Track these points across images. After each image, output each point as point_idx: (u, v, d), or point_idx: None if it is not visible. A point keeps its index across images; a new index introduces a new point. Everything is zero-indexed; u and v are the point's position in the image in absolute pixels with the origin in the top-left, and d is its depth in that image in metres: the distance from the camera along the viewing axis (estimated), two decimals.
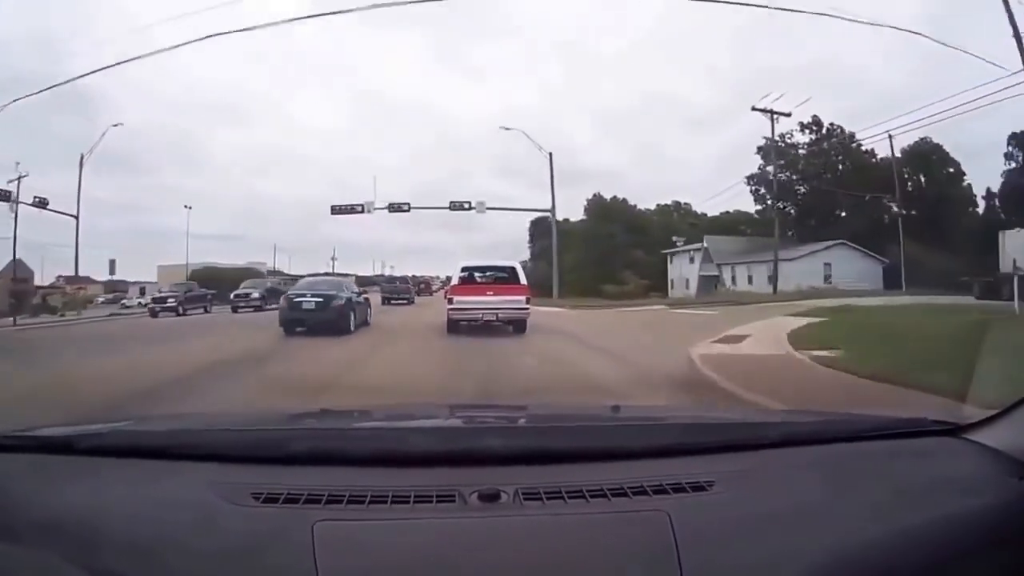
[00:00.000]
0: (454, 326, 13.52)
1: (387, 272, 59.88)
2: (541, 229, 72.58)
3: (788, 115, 34.35)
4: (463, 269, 14.70)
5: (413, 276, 44.40)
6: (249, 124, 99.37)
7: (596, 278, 55.12)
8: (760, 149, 50.47)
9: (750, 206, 54.94)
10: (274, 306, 28.05)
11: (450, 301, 14.04)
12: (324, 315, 13.52)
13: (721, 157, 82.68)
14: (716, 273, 44.86)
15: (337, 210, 31.08)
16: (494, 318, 13.34)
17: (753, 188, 51.34)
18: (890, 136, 40.75)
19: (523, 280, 14.49)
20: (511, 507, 1.08)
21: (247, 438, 1.43)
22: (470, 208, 30.48)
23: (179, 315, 25.82)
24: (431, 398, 5.64)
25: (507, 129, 32.06)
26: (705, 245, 46.35)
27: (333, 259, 61.68)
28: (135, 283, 49.87)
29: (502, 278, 14.54)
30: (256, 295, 28.76)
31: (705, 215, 58.34)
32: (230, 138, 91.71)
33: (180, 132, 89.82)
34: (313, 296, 13.96)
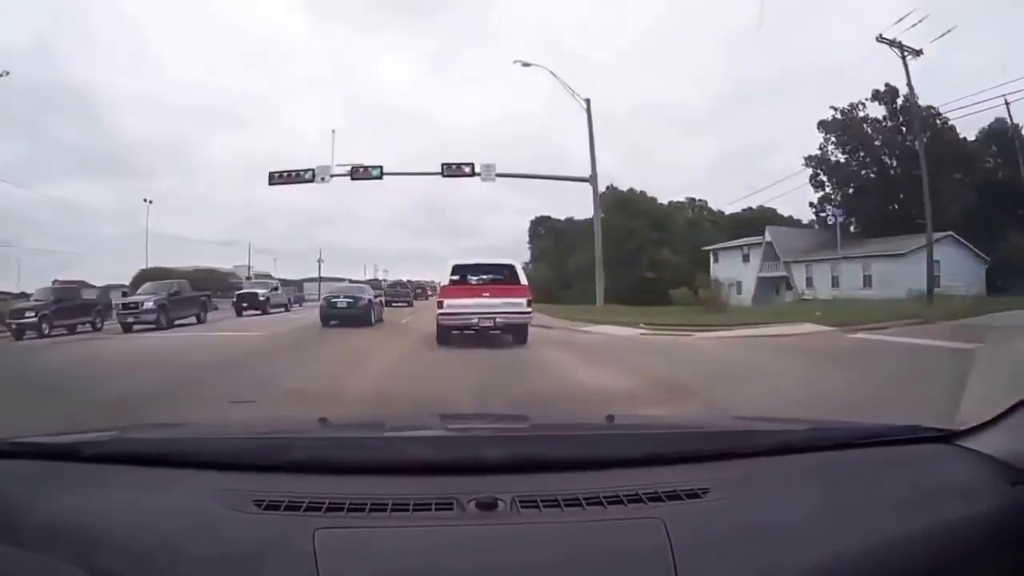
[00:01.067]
0: (445, 335, 11.41)
1: (380, 276, 63.62)
2: (543, 228, 64.79)
3: (919, 52, 24.31)
4: (455, 269, 12.38)
5: (409, 281, 44.93)
6: (245, 131, 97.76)
7: (618, 281, 46.09)
8: (822, 124, 40.67)
9: (778, 203, 48.01)
10: (185, 321, 18.98)
11: (441, 305, 11.64)
12: (353, 312, 17.34)
13: (720, 156, 76.99)
14: (783, 274, 34.73)
15: (277, 179, 20.92)
16: (491, 324, 11.25)
17: (813, 171, 41.44)
18: (1006, 102, 30.98)
19: (523, 280, 12.29)
20: (508, 515, 1.06)
21: (249, 446, 1.40)
22: (472, 174, 20.45)
23: (43, 335, 17.19)
24: (432, 403, 5.62)
25: (526, 65, 21.91)
26: (768, 239, 36.18)
27: (320, 261, 62.03)
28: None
29: (499, 279, 12.37)
30: (151, 305, 18.36)
31: (722, 212, 51.56)
32: (228, 144, 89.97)
33: (179, 137, 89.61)
34: (345, 298, 17.89)
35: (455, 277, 12.41)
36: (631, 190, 52.18)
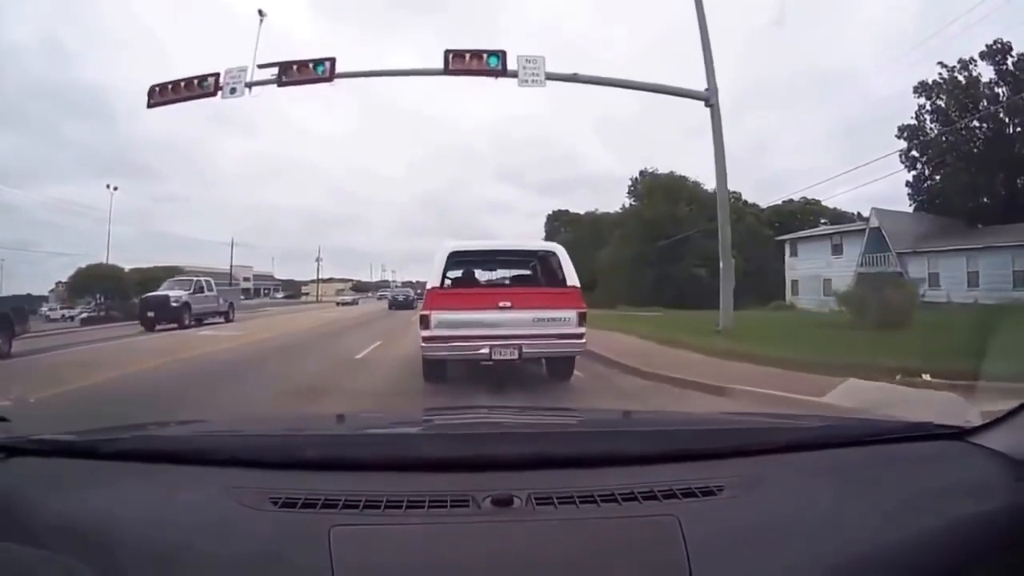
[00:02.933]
0: (435, 370, 6.54)
1: (388, 277, 69.63)
2: (560, 223, 56.16)
3: None
4: (452, 259, 6.78)
5: (419, 281, 48.48)
6: (256, 138, 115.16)
7: (661, 279, 37.52)
8: (921, 88, 31.63)
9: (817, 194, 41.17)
10: None
11: (425, 323, 6.16)
12: (404, 301, 30.30)
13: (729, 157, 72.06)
14: (895, 269, 25.67)
15: (159, 97, 11.80)
16: (513, 355, 6.14)
17: (905, 145, 32.39)
18: None
19: (572, 277, 6.57)
20: (524, 512, 1.03)
21: (266, 443, 1.36)
22: (502, 71, 11.00)
23: None
24: (448, 401, 5.47)
25: None
26: (875, 224, 27.10)
27: (318, 260, 63.66)
28: None
29: (529, 276, 8.15)
30: None
31: (757, 205, 44.02)
32: (239, 151, 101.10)
33: (191, 141, 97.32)
34: (401, 294, 32.62)
35: (451, 273, 7.32)
36: (671, 174, 43.72)
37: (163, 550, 0.96)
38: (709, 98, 11.24)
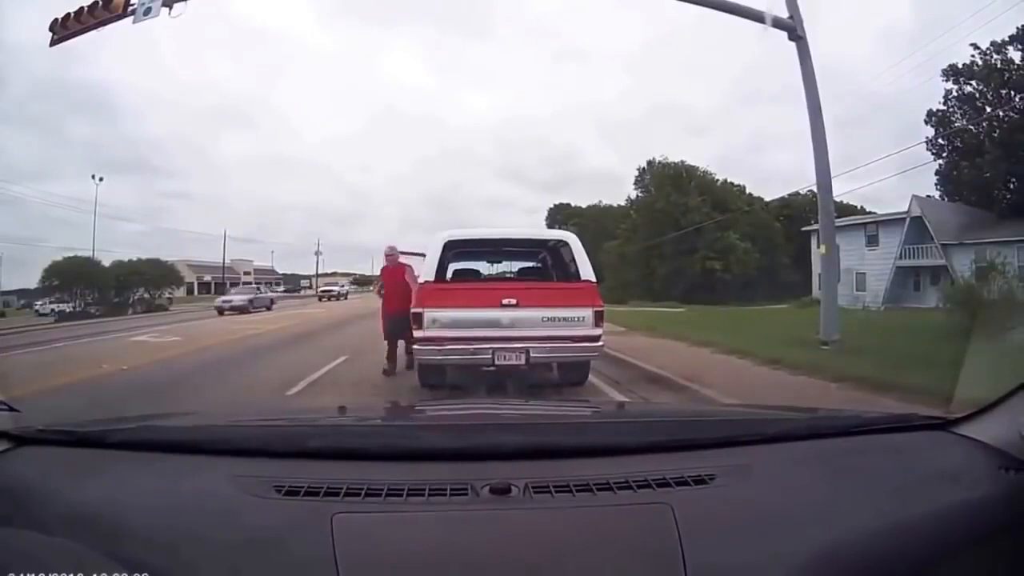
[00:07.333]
0: (432, 375, 5.69)
1: None
2: (561, 216, 53.14)
3: None
4: (448, 247, 6.02)
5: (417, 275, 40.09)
6: (263, 135, 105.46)
7: (674, 273, 34.45)
8: (951, 72, 28.37)
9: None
10: None
11: (418, 322, 5.40)
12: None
13: (721, 156, 76.93)
14: (939, 262, 22.59)
15: (63, 31, 8.83)
16: (520, 360, 5.28)
17: (934, 132, 29.19)
18: None
19: (586, 271, 5.66)
20: (521, 500, 1.04)
21: (270, 433, 1.37)
22: None
23: None
24: (447, 393, 5.42)
25: None
26: (917, 212, 23.95)
27: (318, 253, 62.69)
28: None
29: (537, 268, 7.40)
30: None
31: (761, 199, 41.20)
32: (245, 149, 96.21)
33: (201, 143, 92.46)
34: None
35: (448, 265, 6.49)
36: (682, 162, 40.57)
37: (169, 537, 0.95)
38: (795, 28, 8.16)
